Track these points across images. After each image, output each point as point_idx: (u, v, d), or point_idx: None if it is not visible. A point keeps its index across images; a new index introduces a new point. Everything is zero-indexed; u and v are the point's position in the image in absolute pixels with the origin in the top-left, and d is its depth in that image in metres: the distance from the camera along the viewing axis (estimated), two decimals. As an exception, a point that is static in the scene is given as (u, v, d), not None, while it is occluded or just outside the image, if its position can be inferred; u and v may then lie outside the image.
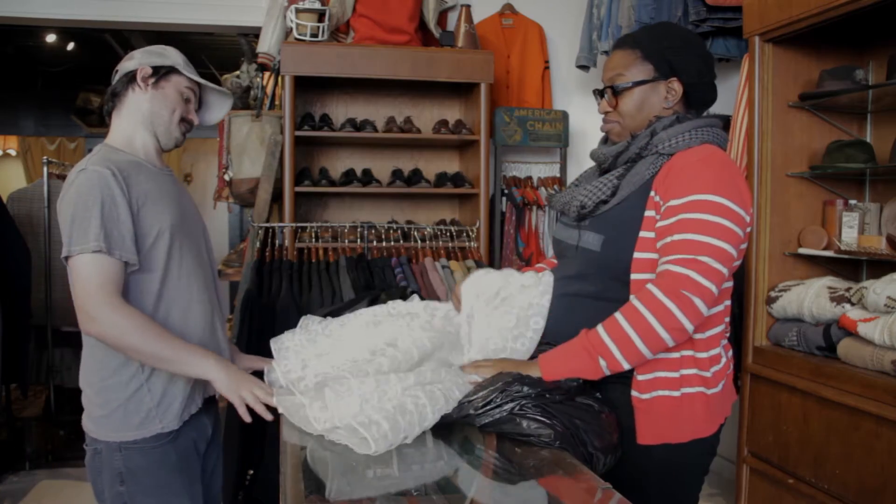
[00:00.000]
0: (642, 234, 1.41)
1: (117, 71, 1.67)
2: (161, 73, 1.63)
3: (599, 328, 1.36)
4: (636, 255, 1.41)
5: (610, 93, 1.51)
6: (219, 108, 1.80)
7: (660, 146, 1.43)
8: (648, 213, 1.41)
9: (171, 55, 1.67)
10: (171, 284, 1.58)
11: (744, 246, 1.43)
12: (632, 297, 1.37)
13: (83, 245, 1.44)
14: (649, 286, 1.34)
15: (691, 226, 1.33)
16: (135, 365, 1.54)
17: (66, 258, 1.48)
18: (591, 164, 1.66)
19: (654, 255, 1.40)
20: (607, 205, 1.46)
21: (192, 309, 1.61)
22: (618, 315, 1.35)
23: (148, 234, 1.54)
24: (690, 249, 1.32)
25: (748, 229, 1.42)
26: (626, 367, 1.36)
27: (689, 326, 1.33)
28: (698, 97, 1.51)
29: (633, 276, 1.41)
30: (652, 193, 1.41)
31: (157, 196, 1.57)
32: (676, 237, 1.34)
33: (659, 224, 1.39)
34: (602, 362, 1.35)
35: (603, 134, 1.62)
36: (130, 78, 1.63)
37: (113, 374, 1.54)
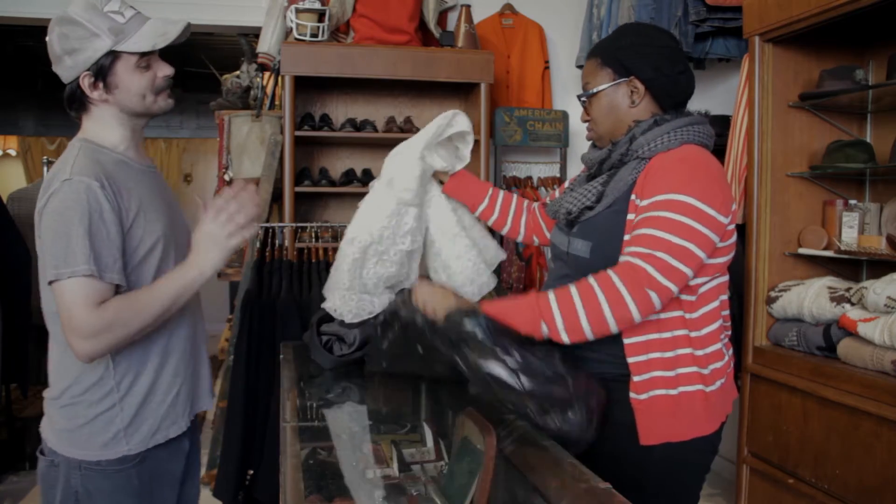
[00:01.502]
0: (626, 238, 1.42)
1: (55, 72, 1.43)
2: (105, 70, 1.39)
3: (550, 295, 1.35)
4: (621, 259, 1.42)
5: (582, 102, 1.59)
6: (168, 26, 1.46)
7: (640, 151, 1.45)
8: (630, 216, 1.42)
9: (92, 28, 1.36)
10: None
11: (726, 244, 1.44)
12: (589, 276, 1.36)
13: (73, 268, 1.29)
14: (609, 272, 1.34)
15: (656, 222, 1.34)
16: (110, 384, 1.42)
17: (52, 282, 1.32)
18: None
19: None
20: (593, 211, 1.48)
21: (178, 324, 1.51)
22: (572, 289, 1.35)
23: (138, 250, 1.42)
24: (651, 244, 1.33)
25: (729, 227, 1.42)
26: (565, 340, 1.35)
27: (637, 320, 1.34)
28: (663, 91, 1.51)
29: None
30: (633, 197, 1.43)
31: (148, 203, 1.45)
32: (641, 231, 1.36)
33: (630, 219, 1.41)
34: (544, 327, 1.35)
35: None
36: (77, 91, 1.42)
37: (85, 391, 1.42)
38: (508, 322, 1.36)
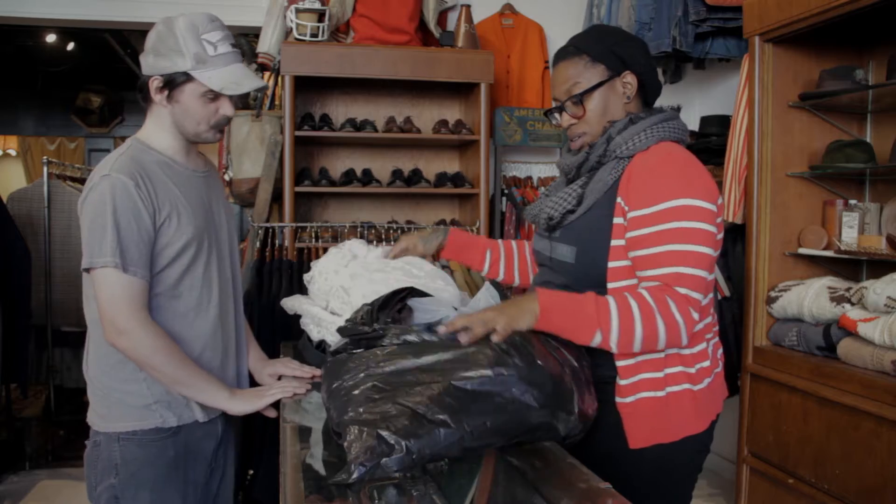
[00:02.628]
0: (613, 242, 1.40)
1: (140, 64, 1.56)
2: (175, 83, 1.50)
3: (612, 304, 1.31)
4: (610, 264, 1.41)
5: (571, 104, 1.49)
6: (245, 78, 1.56)
7: (617, 150, 1.43)
8: (617, 220, 1.41)
9: (183, 49, 1.47)
10: (179, 297, 1.55)
11: (720, 237, 1.43)
12: (644, 292, 1.32)
13: (101, 258, 1.42)
14: (667, 298, 1.30)
15: (674, 235, 1.32)
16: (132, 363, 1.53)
17: (88, 269, 1.46)
18: None
19: (627, 263, 1.39)
20: (574, 214, 1.46)
21: (207, 311, 1.60)
22: (632, 302, 1.30)
23: (166, 250, 1.50)
24: (680, 261, 1.32)
25: (719, 220, 1.41)
26: (613, 350, 1.34)
27: (685, 344, 1.36)
28: (650, 86, 1.51)
29: (610, 286, 1.41)
30: (618, 200, 1.41)
31: (184, 203, 1.53)
32: (663, 248, 1.33)
33: (631, 234, 1.37)
34: (597, 336, 1.31)
35: (565, 143, 1.62)
36: (146, 87, 1.53)
37: (113, 368, 1.53)
38: (561, 331, 1.32)
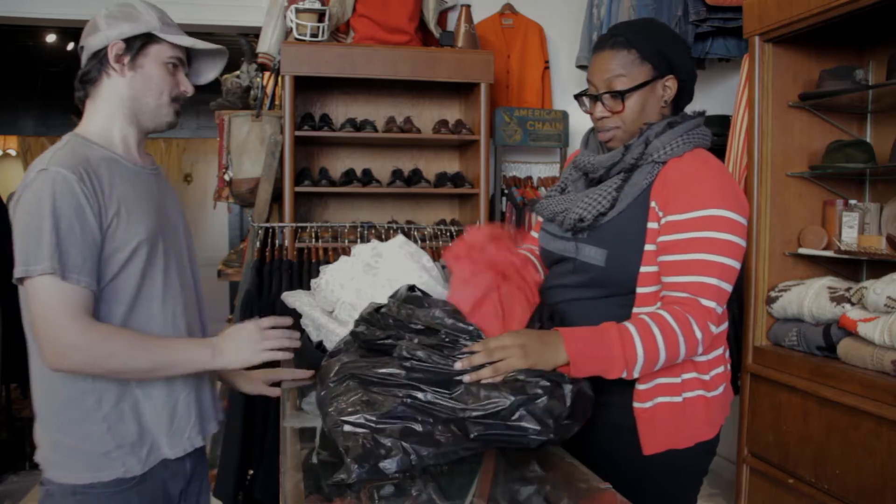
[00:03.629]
0: (647, 247, 1.38)
1: (82, 48, 1.39)
2: (136, 46, 1.36)
3: (637, 340, 1.28)
4: (642, 269, 1.38)
5: (610, 97, 1.43)
6: (212, 65, 1.51)
7: (655, 154, 1.40)
8: (651, 224, 1.38)
9: (142, 14, 1.38)
10: (141, 310, 1.36)
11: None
12: (666, 314, 1.30)
13: (37, 265, 1.21)
14: (688, 316, 1.29)
15: (704, 245, 1.32)
16: (92, 398, 1.31)
17: (21, 279, 1.24)
18: None
19: (658, 269, 1.38)
20: (606, 217, 1.41)
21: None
22: (655, 330, 1.28)
23: (120, 251, 1.31)
24: (706, 271, 1.31)
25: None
26: (633, 378, 1.32)
27: (700, 352, 1.35)
28: (687, 93, 1.50)
29: (640, 290, 1.38)
30: (652, 204, 1.38)
31: (133, 201, 1.34)
32: (692, 256, 1.32)
33: (663, 238, 1.36)
34: (623, 374, 1.30)
35: (582, 137, 1.58)
36: (101, 58, 1.37)
37: (65, 407, 1.31)
38: (593, 372, 1.28)
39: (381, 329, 1.32)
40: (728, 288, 1.35)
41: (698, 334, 1.30)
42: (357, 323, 1.39)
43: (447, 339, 1.24)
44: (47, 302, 1.22)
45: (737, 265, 1.35)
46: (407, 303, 1.31)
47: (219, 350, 1.37)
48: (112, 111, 1.39)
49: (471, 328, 1.25)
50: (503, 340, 1.23)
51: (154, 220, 1.38)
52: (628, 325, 1.30)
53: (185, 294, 1.46)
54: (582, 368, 1.26)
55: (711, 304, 1.32)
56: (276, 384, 1.62)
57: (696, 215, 1.33)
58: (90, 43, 1.37)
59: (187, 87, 1.45)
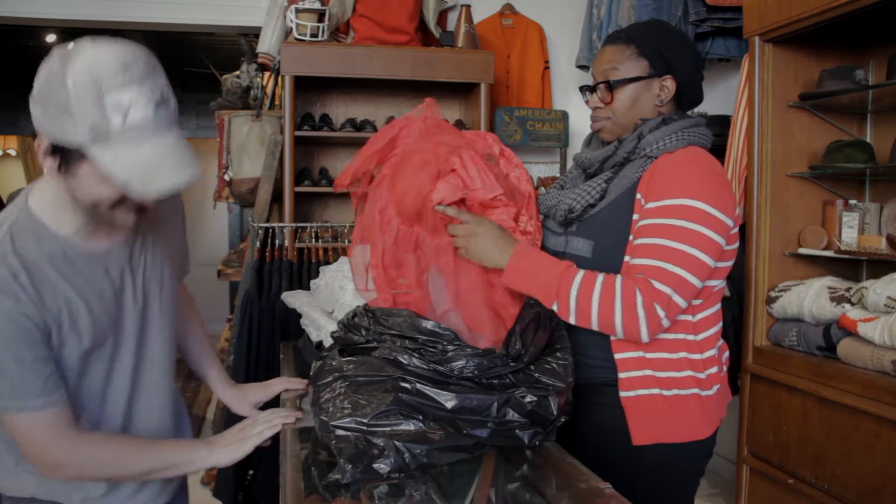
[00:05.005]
0: (631, 238, 1.39)
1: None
2: (65, 158, 1.04)
3: (576, 282, 1.32)
4: (626, 259, 1.40)
5: (604, 88, 1.48)
6: (163, 167, 1.07)
7: (647, 149, 1.42)
8: (635, 216, 1.40)
9: (81, 113, 0.99)
10: (112, 398, 1.26)
11: (732, 247, 1.43)
12: (618, 277, 1.32)
13: (22, 402, 1.09)
14: (637, 289, 1.30)
15: (669, 232, 1.32)
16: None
17: None
18: None
19: None
20: (595, 208, 1.44)
21: (151, 409, 1.33)
22: (596, 284, 1.31)
23: (73, 355, 1.17)
24: (666, 257, 1.30)
25: (733, 231, 1.40)
26: (571, 322, 1.34)
27: (645, 340, 1.33)
28: (688, 97, 1.50)
29: None
30: (638, 196, 1.40)
31: (79, 302, 1.15)
32: (654, 240, 1.32)
33: (638, 224, 1.38)
34: (554, 305, 1.33)
35: (585, 137, 1.61)
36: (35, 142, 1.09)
37: (12, 469, 1.24)
38: (525, 290, 1.35)
39: (360, 334, 1.35)
40: (693, 280, 1.32)
41: (640, 311, 1.29)
42: (339, 328, 1.41)
43: (426, 341, 1.28)
44: (26, 434, 1.13)
45: (707, 259, 1.33)
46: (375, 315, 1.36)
47: (214, 448, 1.32)
48: (60, 195, 1.13)
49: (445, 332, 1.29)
50: (471, 226, 1.37)
51: (105, 319, 1.21)
52: (580, 270, 1.34)
53: (144, 387, 1.31)
54: (513, 281, 1.36)
55: (666, 289, 1.30)
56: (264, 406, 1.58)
57: (669, 203, 1.33)
58: (32, 104, 1.05)
59: (127, 220, 1.14)
